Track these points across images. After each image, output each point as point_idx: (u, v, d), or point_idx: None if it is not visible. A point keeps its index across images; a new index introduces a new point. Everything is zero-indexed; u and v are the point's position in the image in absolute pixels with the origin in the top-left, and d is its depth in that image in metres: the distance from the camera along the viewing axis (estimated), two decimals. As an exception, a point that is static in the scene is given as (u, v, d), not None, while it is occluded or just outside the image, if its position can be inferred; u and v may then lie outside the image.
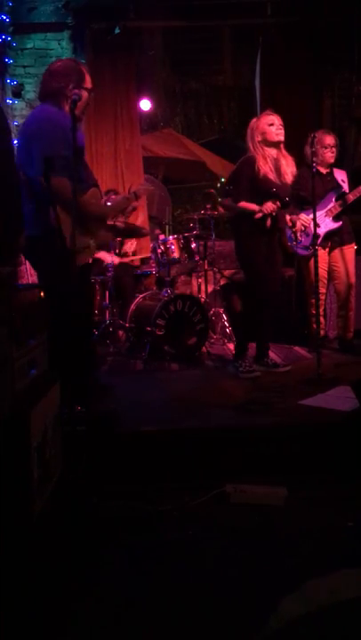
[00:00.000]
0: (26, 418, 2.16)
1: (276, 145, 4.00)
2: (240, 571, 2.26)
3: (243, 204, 4.03)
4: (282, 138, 3.99)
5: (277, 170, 4.00)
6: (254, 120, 4.10)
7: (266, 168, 3.95)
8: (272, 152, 4.01)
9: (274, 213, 3.99)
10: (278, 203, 3.97)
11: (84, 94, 3.07)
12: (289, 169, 4.02)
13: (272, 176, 3.96)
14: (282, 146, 4.04)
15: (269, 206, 3.95)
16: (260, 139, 4.00)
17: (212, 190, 7.28)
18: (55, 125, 2.98)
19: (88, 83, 3.13)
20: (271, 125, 3.98)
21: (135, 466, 3.00)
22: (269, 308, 4.18)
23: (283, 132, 4.00)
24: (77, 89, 3.03)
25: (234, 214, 4.21)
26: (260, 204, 3.97)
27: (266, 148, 4.00)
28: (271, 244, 4.11)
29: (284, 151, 4.05)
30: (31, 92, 6.00)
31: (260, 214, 3.94)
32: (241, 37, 7.08)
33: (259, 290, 4.11)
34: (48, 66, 3.23)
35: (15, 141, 5.73)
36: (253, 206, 3.97)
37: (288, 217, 4.06)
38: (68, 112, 2.89)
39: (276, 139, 3.98)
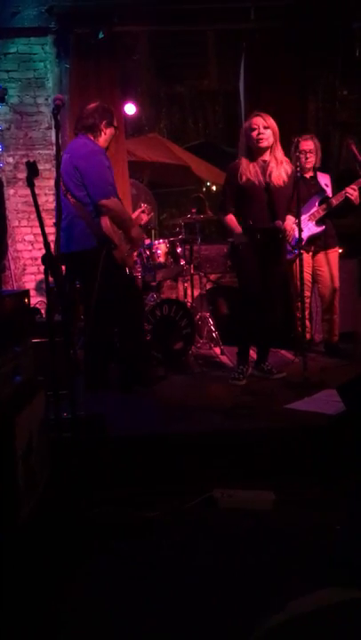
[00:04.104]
0: (10, 425, 2.15)
1: (261, 149, 3.89)
2: (229, 577, 2.26)
3: (228, 219, 4.03)
4: (265, 143, 3.85)
5: (265, 173, 3.89)
6: (244, 123, 4.08)
7: (249, 173, 3.88)
8: (261, 156, 3.91)
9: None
10: (248, 237, 3.92)
11: (112, 130, 3.92)
12: (281, 171, 3.88)
13: (257, 180, 3.87)
14: (276, 147, 3.89)
15: (240, 240, 3.95)
16: (245, 143, 3.95)
17: (202, 195, 7.26)
18: (99, 159, 3.76)
19: (116, 121, 3.97)
20: (253, 130, 3.86)
21: (123, 471, 2.99)
22: (268, 313, 4.12)
23: (267, 134, 3.84)
24: (110, 126, 3.88)
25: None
26: (246, 211, 3.96)
27: (254, 153, 3.92)
28: (268, 250, 3.99)
29: (278, 152, 3.90)
30: (14, 96, 5.97)
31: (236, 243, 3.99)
32: (225, 42, 7.09)
33: (243, 294, 4.14)
34: (86, 105, 3.96)
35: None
36: (235, 229, 3.99)
37: (279, 222, 3.97)
38: (101, 143, 3.87)
39: (257, 145, 3.87)
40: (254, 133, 3.86)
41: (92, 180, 3.73)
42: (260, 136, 3.85)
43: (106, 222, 3.75)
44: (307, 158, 4.60)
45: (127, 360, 4.02)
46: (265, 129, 3.85)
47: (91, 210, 3.76)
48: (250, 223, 3.92)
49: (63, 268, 4.47)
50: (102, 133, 3.89)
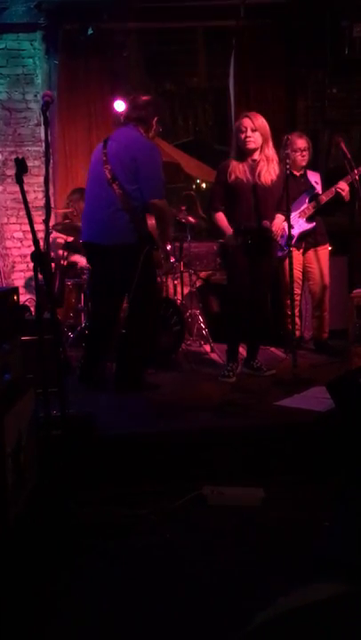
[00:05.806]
0: (-1, 424, 2.14)
1: (249, 150, 3.89)
2: (217, 574, 2.27)
3: (218, 217, 4.04)
4: (252, 145, 3.85)
5: (254, 172, 3.89)
6: (235, 123, 4.08)
7: (238, 172, 3.88)
8: (250, 155, 3.90)
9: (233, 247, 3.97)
10: (239, 239, 3.92)
11: (159, 128, 3.85)
12: (270, 169, 3.88)
13: (246, 179, 3.88)
14: (267, 146, 3.89)
15: (231, 242, 3.96)
16: (235, 143, 3.97)
17: (193, 193, 7.26)
18: (158, 157, 3.72)
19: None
20: (241, 132, 3.86)
21: (113, 470, 2.98)
22: (257, 311, 4.14)
23: (254, 137, 3.84)
24: (159, 124, 3.81)
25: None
26: (233, 209, 3.97)
27: (243, 153, 3.92)
28: (257, 250, 3.99)
29: (268, 152, 3.89)
30: (3, 92, 5.93)
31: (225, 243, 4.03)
32: (215, 39, 7.08)
33: (232, 292, 4.15)
34: (140, 95, 3.85)
35: None
36: (226, 230, 3.99)
37: (267, 222, 3.97)
38: (150, 137, 3.75)
39: (244, 147, 3.87)
40: (242, 135, 3.87)
41: (149, 176, 3.60)
42: (248, 139, 3.85)
43: (152, 221, 3.66)
44: (303, 156, 4.61)
45: (130, 362, 3.88)
46: (253, 132, 3.85)
47: (137, 205, 3.63)
48: (240, 226, 3.92)
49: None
50: (152, 129, 3.76)
